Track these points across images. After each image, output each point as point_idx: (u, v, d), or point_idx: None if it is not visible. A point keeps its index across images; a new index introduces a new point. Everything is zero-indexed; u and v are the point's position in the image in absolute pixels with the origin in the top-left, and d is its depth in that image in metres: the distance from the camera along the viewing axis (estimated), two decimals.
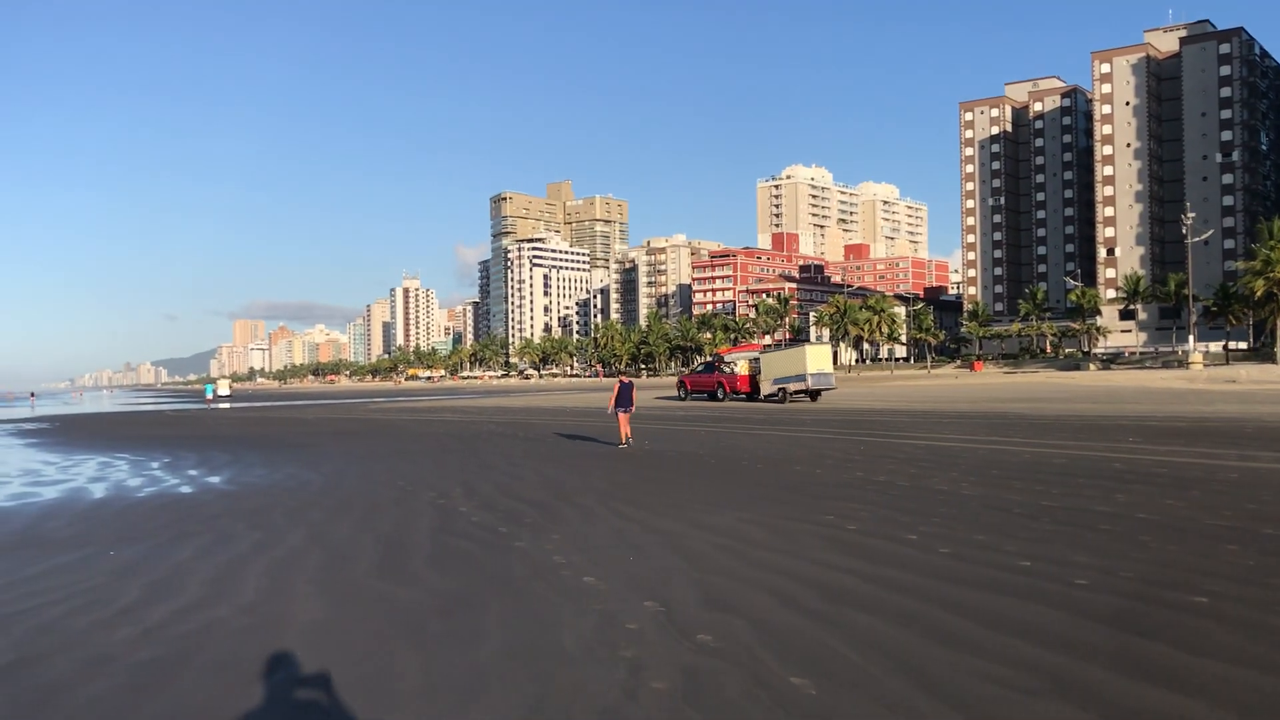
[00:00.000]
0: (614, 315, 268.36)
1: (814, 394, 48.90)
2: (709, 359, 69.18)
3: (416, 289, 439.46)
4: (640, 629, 7.55)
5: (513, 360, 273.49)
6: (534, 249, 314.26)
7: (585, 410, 47.36)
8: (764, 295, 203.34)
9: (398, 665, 6.84)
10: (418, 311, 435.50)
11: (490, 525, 12.78)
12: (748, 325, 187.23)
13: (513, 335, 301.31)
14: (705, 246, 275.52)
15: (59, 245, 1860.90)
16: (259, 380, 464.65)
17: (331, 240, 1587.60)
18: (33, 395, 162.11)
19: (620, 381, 26.15)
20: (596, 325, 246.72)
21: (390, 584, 9.47)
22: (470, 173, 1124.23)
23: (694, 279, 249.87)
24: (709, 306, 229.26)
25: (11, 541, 12.73)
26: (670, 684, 6.28)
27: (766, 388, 49.75)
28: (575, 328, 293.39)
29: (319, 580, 9.74)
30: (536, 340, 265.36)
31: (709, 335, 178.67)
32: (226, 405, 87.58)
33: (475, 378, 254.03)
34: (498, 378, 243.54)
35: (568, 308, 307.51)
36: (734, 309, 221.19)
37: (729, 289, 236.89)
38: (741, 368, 53.58)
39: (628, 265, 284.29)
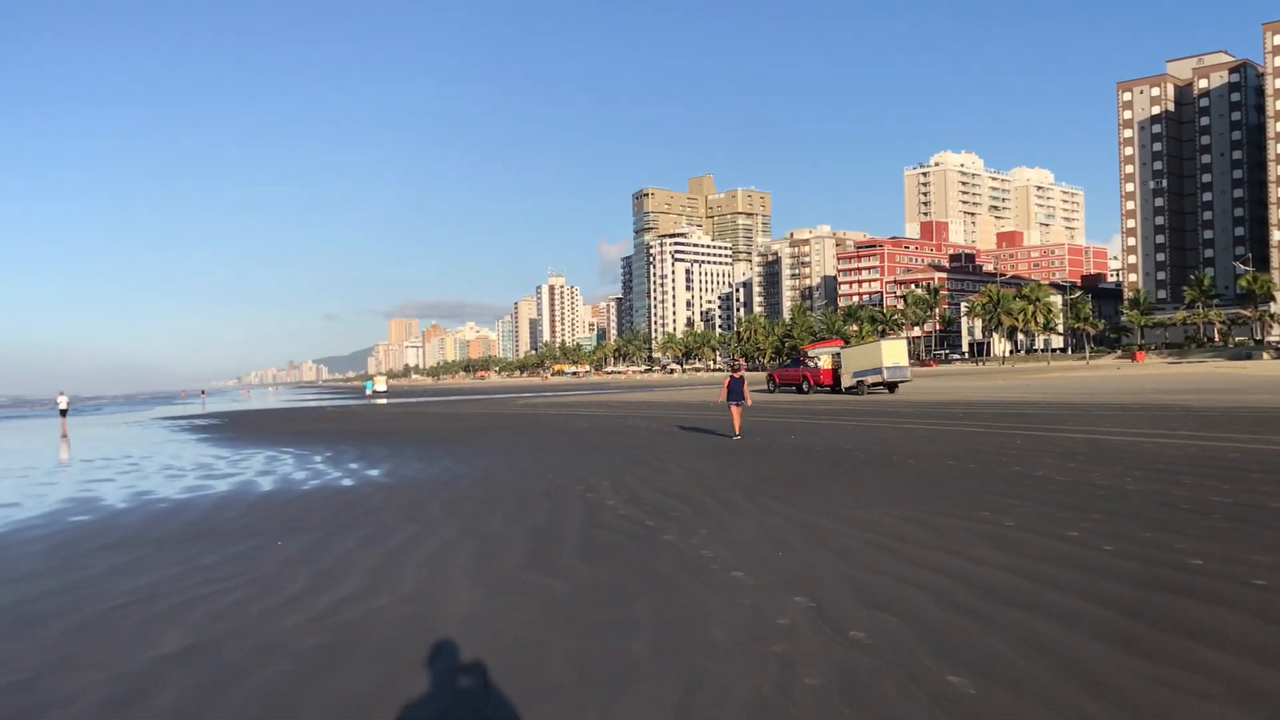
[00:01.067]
0: (757, 309, 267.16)
1: (891, 386, 51.72)
2: (795, 354, 70.93)
3: (561, 286, 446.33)
4: (791, 624, 7.49)
5: (655, 355, 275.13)
6: (676, 244, 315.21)
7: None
8: (912, 286, 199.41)
9: (550, 655, 6.95)
10: (563, 308, 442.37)
11: (637, 519, 12.87)
12: (895, 317, 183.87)
13: (655, 330, 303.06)
14: (850, 237, 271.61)
15: (228, 250, 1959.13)
16: (413, 377, 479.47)
17: (481, 240, 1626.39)
18: (203, 393, 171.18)
19: (731, 376, 26.57)
20: (739, 319, 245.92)
21: (542, 576, 9.63)
22: (613, 170, 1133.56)
23: (839, 270, 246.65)
24: (855, 298, 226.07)
25: (188, 532, 13.43)
26: (824, 680, 6.21)
27: (847, 380, 52.48)
28: (717, 322, 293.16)
29: (473, 571, 9.98)
30: (679, 335, 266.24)
31: (855, 327, 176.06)
32: (384, 401, 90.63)
33: (619, 373, 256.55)
34: (641, 372, 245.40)
35: (710, 302, 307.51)
36: (881, 300, 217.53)
37: (875, 280, 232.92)
38: (824, 362, 56.73)
39: (770, 258, 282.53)
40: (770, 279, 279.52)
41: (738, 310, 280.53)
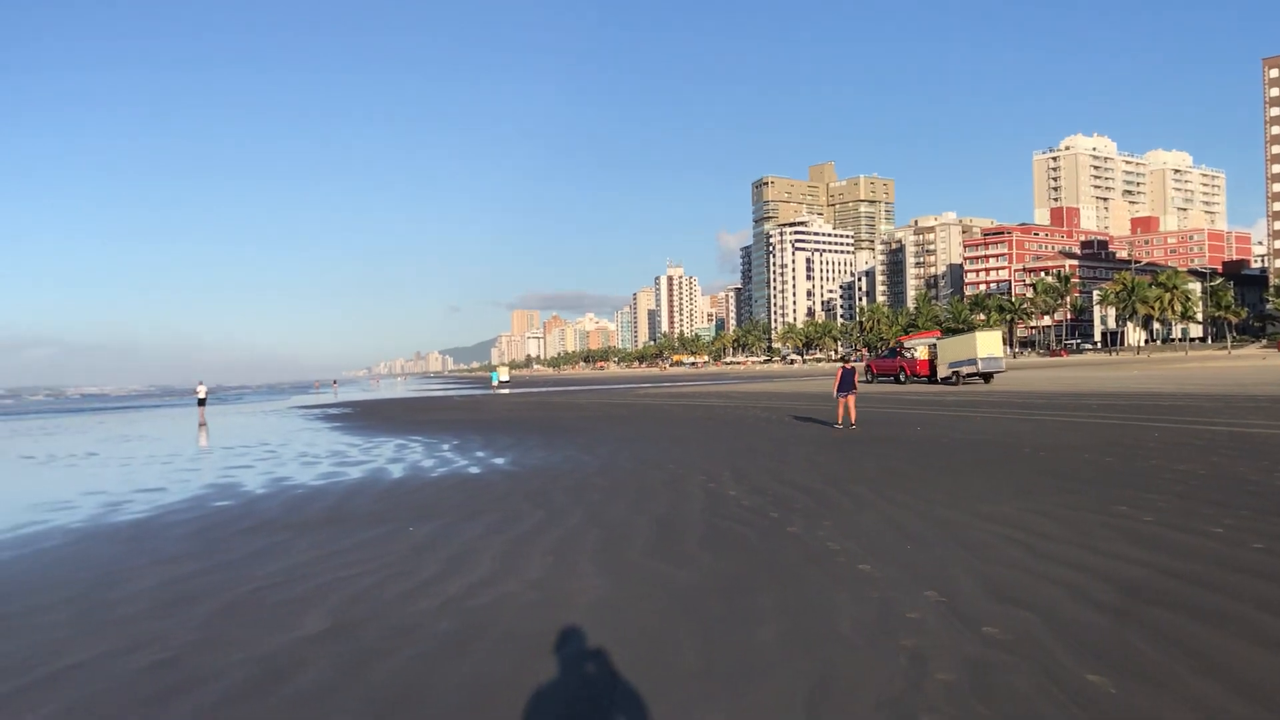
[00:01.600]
0: (879, 298, 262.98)
1: (986, 376, 52.90)
2: (892, 345, 72.85)
3: (680, 277, 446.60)
4: (921, 619, 7.36)
5: (775, 345, 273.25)
6: (796, 232, 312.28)
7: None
8: (1042, 274, 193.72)
9: (677, 644, 6.97)
10: (681, 298, 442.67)
11: (761, 509, 12.81)
12: (1024, 305, 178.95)
13: (775, 320, 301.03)
14: (977, 224, 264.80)
15: (359, 247, 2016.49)
16: (534, 367, 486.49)
17: (601, 232, 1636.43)
18: (335, 382, 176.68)
19: (843, 367, 27.01)
20: (861, 308, 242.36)
21: (666, 565, 9.66)
22: (731, 159, 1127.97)
23: (965, 258, 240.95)
24: (981, 287, 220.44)
25: (324, 517, 13.88)
26: (956, 676, 6.08)
27: (943, 371, 54.27)
28: (839, 311, 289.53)
29: (599, 559, 10.06)
30: (799, 325, 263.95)
31: (982, 316, 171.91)
32: (506, 391, 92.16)
33: (738, 363, 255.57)
34: (760, 363, 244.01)
35: (831, 291, 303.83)
36: (1009, 289, 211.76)
37: (1003, 268, 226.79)
38: (921, 353, 58.18)
39: (894, 246, 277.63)
40: (894, 267, 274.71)
41: (860, 300, 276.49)
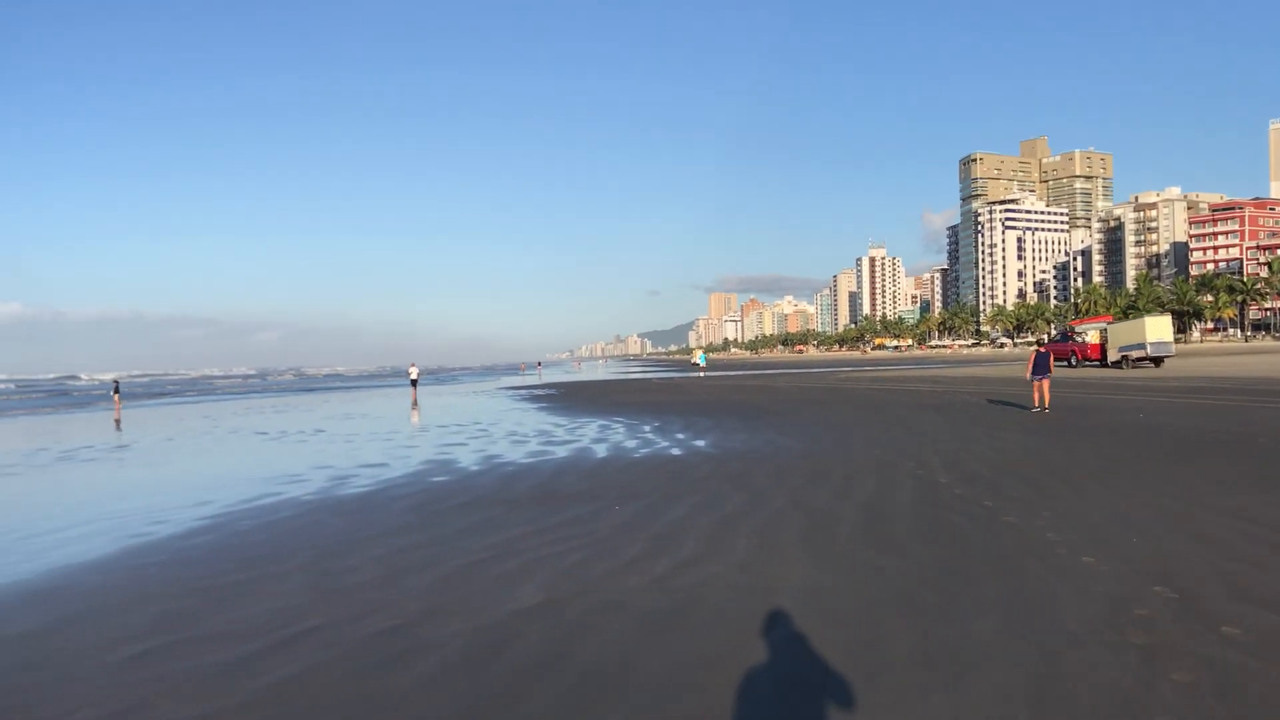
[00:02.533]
0: (1096, 278, 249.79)
1: (1156, 360, 54.86)
2: (1064, 330, 73.12)
3: (882, 258, 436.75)
4: (1151, 616, 6.94)
5: (984, 328, 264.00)
6: (1006, 211, 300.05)
7: (1062, 380, 44.64)
8: (1278, 251, 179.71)
9: (888, 633, 6.81)
10: (884, 280, 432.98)
11: (974, 498, 12.39)
12: (1259, 286, 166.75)
13: (983, 302, 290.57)
14: (1204, 199, 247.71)
15: (563, 231, 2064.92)
16: (732, 351, 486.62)
17: (799, 213, 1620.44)
18: (539, 365, 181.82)
19: (1037, 350, 27.33)
20: (1076, 289, 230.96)
21: (875, 552, 9.46)
22: (937, 136, 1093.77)
23: (1190, 236, 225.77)
24: (1209, 266, 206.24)
25: (534, 494, 14.28)
26: (1194, 677, 5.71)
27: (1112, 355, 56.79)
28: (1052, 293, 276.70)
29: (804, 544, 9.96)
30: (1009, 307, 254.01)
31: (1210, 298, 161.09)
32: (702, 374, 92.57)
33: (944, 347, 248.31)
34: (968, 346, 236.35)
35: (1043, 272, 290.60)
36: (1240, 268, 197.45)
37: (1234, 245, 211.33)
38: (1092, 337, 60.46)
39: (1112, 224, 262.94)
40: (1111, 246, 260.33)
41: (1075, 280, 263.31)
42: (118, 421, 38.08)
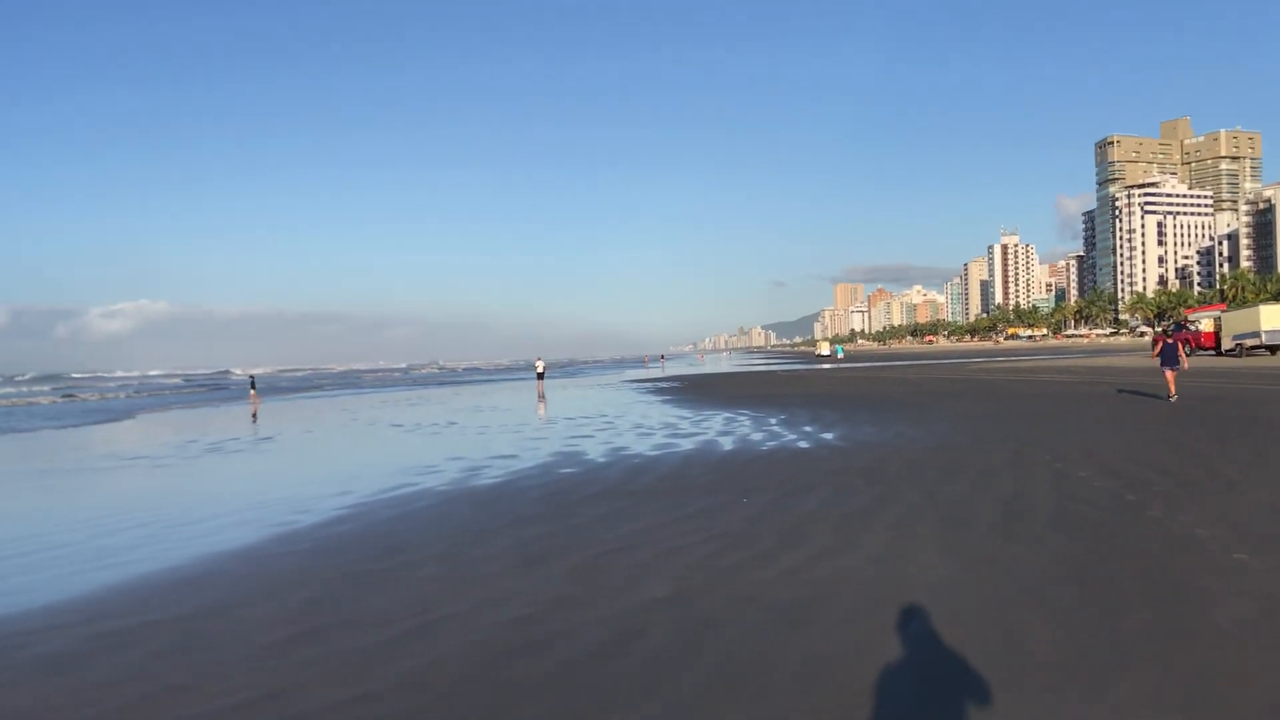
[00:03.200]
0: (1244, 264, 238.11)
1: (1272, 348, 54.76)
2: (1178, 319, 73.10)
3: (1015, 245, 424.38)
4: None
5: (1122, 316, 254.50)
6: (1145, 194, 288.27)
7: (1209, 371, 42.69)
8: None
9: (1029, 631, 6.63)
10: (1016, 268, 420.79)
11: (1115, 492, 11.97)
12: None
13: (1121, 289, 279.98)
14: None
15: (688, 224, 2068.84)
16: (859, 341, 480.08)
17: (928, 200, 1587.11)
18: (663, 357, 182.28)
19: (1165, 340, 27.16)
20: (1222, 275, 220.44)
21: (1014, 546, 9.22)
22: (1071, 120, 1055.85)
23: None
24: None
25: (661, 486, 14.34)
26: None
27: (1226, 343, 57.37)
28: (1195, 279, 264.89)
29: (939, 538, 9.76)
30: (1149, 294, 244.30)
31: None
32: (828, 366, 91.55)
33: (1080, 336, 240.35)
34: (1106, 335, 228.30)
35: (1186, 257, 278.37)
36: None
37: None
38: (1205, 325, 61.02)
39: (1261, 206, 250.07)
40: (1261, 230, 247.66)
41: (1220, 266, 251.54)
42: (254, 415, 39.59)
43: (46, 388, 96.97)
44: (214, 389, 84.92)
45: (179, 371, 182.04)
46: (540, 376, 64.77)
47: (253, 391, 54.94)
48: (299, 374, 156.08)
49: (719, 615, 7.34)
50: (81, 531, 12.38)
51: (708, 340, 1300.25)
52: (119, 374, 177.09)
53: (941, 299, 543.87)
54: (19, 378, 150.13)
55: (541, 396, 47.58)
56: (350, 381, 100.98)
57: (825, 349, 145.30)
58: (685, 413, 30.63)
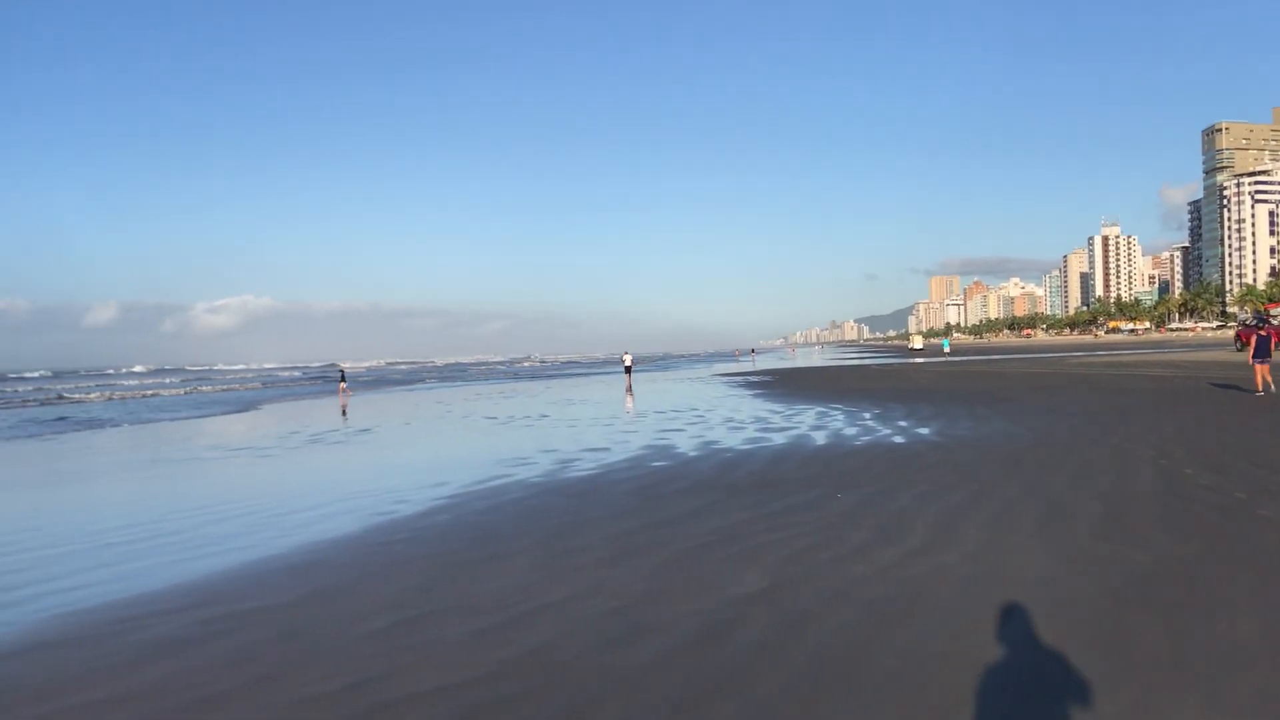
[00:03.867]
0: None
1: None
2: (1257, 312, 72.88)
3: (1116, 236, 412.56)
4: None
5: (1230, 309, 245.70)
6: (1256, 183, 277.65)
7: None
8: None
9: (1134, 630, 6.47)
10: (1118, 260, 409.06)
11: (1224, 489, 11.59)
12: None
13: (1229, 281, 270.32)
14: None
15: (779, 217, 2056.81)
16: (954, 335, 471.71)
17: (1025, 191, 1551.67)
18: (753, 351, 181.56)
19: (1257, 334, 27.15)
20: None
21: (1116, 545, 8.99)
22: (1175, 107, 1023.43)
23: None
24: None
25: (754, 480, 14.30)
26: None
27: None
28: None
29: (1038, 535, 9.57)
30: (1260, 286, 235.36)
31: None
32: (920, 360, 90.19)
33: (1185, 329, 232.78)
34: (1213, 329, 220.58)
35: None
36: None
37: None
38: None
39: None
40: None
41: None
42: (344, 409, 40.30)
43: (172, 380, 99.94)
44: (324, 380, 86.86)
45: (290, 365, 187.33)
46: (628, 370, 65.03)
47: (342, 384, 56.15)
48: (401, 367, 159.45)
49: (813, 610, 7.31)
50: (193, 519, 12.82)
51: (799, 334, 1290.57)
52: (240, 367, 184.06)
53: (1040, 292, 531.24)
54: (135, 369, 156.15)
55: (630, 390, 47.77)
56: (450, 374, 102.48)
57: (918, 343, 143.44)
58: (777, 407, 30.47)
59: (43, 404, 53.11)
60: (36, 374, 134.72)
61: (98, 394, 62.75)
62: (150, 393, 67.39)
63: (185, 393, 67.67)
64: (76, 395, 61.46)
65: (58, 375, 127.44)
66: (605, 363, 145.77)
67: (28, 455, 24.86)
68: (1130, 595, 7.30)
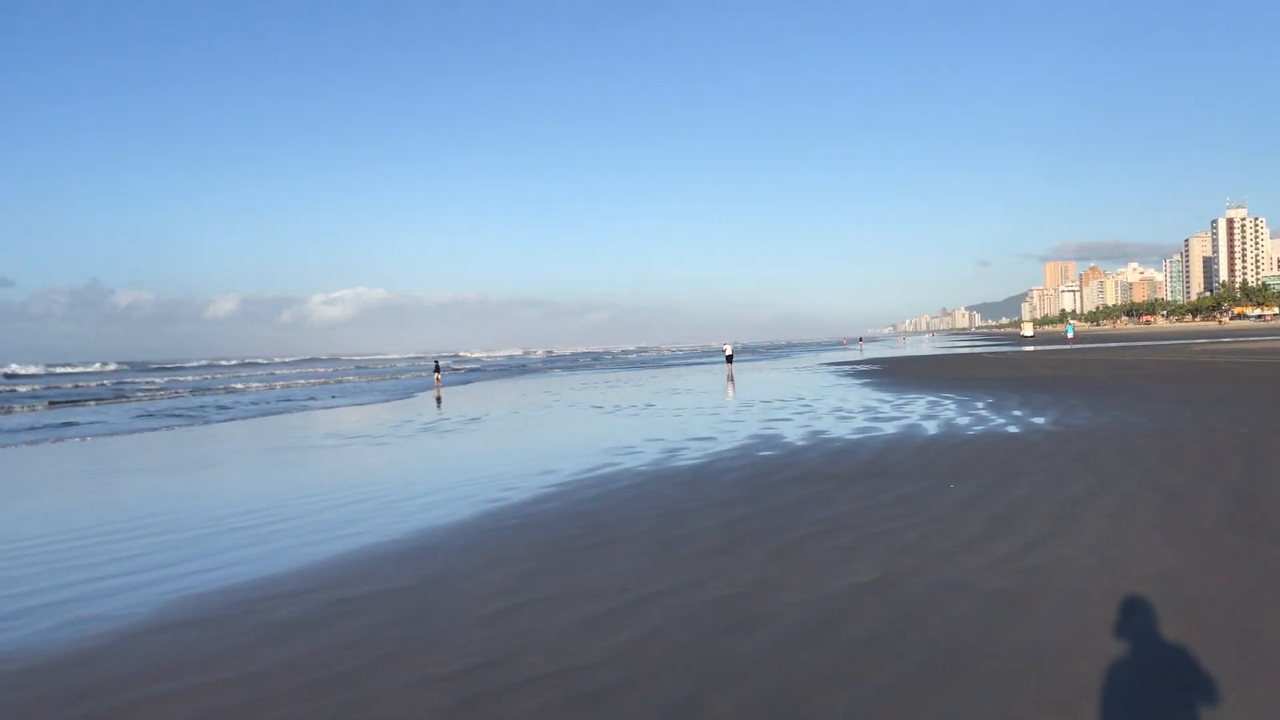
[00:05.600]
0: None
1: None
2: None
3: (1242, 219, 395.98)
4: None
5: None
6: None
7: None
8: None
9: (1267, 628, 6.22)
10: (1244, 243, 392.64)
11: None
12: None
13: None
14: None
15: (888, 203, 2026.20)
16: (1071, 322, 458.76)
17: (1144, 174, 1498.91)
18: (860, 340, 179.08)
19: None
20: None
21: (1245, 538, 8.65)
22: None
23: None
24: None
25: (863, 469, 14.13)
26: None
27: None
28: None
29: (1162, 527, 9.26)
30: None
31: None
32: (1030, 348, 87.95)
33: None
34: None
35: None
36: None
37: None
38: None
39: None
40: None
41: None
42: (439, 399, 40.83)
43: (325, 369, 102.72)
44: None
45: (417, 354, 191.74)
46: (729, 360, 64.95)
47: (437, 375, 57.40)
48: (514, 356, 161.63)
49: (926, 602, 7.19)
50: (318, 504, 13.22)
51: (908, 322, 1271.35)
52: (391, 355, 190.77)
53: (1159, 277, 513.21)
54: (287, 359, 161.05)
55: (731, 379, 47.65)
56: (555, 364, 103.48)
57: (1029, 330, 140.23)
58: (886, 396, 30.04)
59: (227, 391, 55.11)
60: (195, 363, 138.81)
61: (260, 384, 63.79)
62: (315, 381, 68.27)
63: (363, 379, 68.88)
64: (238, 385, 62.33)
65: (211, 366, 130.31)
66: (707, 353, 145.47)
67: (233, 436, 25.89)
68: (1262, 592, 7.02)
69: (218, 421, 32.23)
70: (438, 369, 60.14)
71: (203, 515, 12.79)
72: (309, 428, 28.74)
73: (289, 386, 59.65)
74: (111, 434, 28.37)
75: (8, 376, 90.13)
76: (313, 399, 44.95)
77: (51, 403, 46.54)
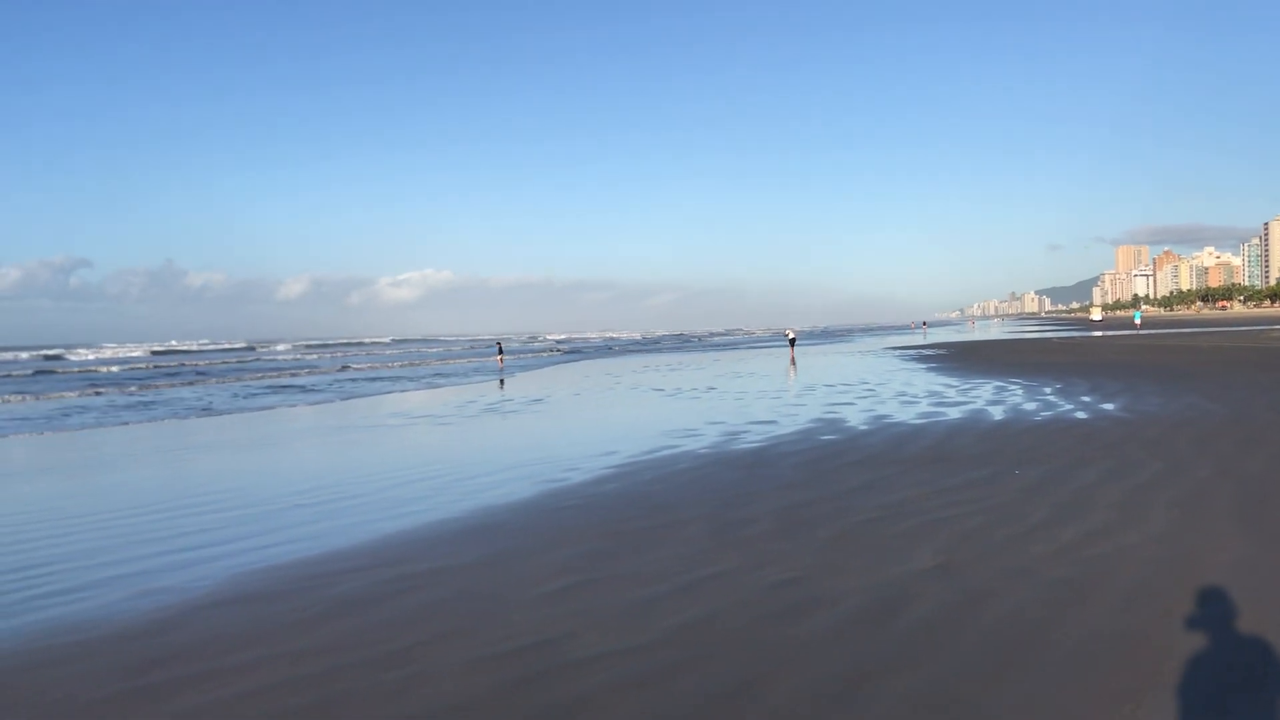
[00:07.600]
0: None
1: None
2: None
3: None
4: None
5: None
6: None
7: None
8: None
9: None
10: None
11: None
12: None
13: None
14: None
15: (957, 186, 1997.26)
16: (1142, 307, 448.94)
17: (1220, 155, 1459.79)
18: (925, 324, 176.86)
19: None
20: None
21: None
22: None
23: None
24: None
25: (927, 455, 13.98)
26: None
27: None
28: None
29: (1234, 517, 9.05)
30: None
31: None
32: (1103, 333, 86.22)
33: None
34: None
35: None
36: None
37: None
38: None
39: None
40: None
41: None
42: (501, 383, 40.94)
43: (419, 349, 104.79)
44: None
45: (492, 336, 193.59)
46: (792, 343, 64.60)
47: (499, 356, 58.28)
48: (577, 338, 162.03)
49: (988, 589, 7.10)
50: (386, 480, 13.42)
51: (976, 306, 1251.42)
52: (474, 334, 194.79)
53: (1237, 261, 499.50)
54: (382, 339, 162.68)
55: (793, 363, 47.36)
56: (618, 347, 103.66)
57: (1097, 314, 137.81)
58: (952, 381, 29.66)
59: (344, 372, 55.83)
60: (283, 346, 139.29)
61: (368, 364, 63.94)
62: (419, 362, 68.39)
63: (471, 362, 69.12)
64: (356, 365, 62.88)
65: (309, 348, 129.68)
66: (771, 338, 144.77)
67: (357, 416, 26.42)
68: None
69: (353, 397, 32.78)
70: (500, 350, 60.81)
71: (273, 491, 13.05)
72: (390, 408, 29.11)
73: (388, 368, 60.00)
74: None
75: (154, 354, 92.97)
76: (411, 380, 45.51)
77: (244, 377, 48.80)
